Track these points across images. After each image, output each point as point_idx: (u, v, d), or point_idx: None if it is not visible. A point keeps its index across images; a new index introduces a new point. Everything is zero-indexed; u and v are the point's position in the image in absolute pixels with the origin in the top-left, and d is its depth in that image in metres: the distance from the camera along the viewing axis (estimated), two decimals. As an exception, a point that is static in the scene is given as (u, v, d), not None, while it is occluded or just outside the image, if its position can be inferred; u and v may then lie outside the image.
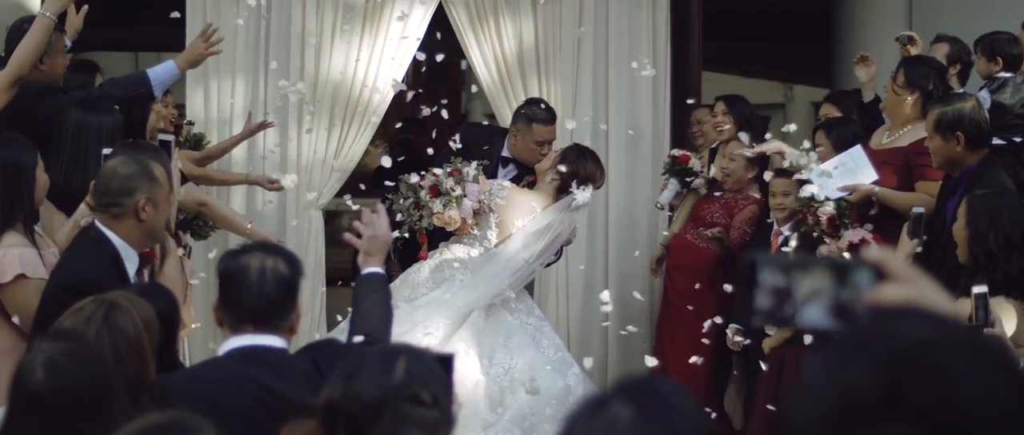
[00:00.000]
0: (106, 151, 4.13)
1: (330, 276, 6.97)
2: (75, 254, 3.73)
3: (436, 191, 5.48)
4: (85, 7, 5.41)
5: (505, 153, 6.02)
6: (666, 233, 6.68)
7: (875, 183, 5.17)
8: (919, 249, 4.44)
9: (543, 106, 6.04)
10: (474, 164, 5.59)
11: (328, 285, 6.88)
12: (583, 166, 5.60)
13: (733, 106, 6.49)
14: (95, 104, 4.65)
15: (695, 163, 6.41)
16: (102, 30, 8.40)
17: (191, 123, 6.68)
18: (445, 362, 2.25)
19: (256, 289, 2.81)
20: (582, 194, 5.55)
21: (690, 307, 6.15)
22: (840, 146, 5.40)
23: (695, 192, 6.42)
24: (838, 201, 5.13)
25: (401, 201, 5.53)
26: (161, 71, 4.87)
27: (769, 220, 5.86)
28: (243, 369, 2.81)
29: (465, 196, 5.47)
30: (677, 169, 6.42)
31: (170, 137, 5.18)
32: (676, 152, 6.51)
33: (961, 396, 1.12)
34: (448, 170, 5.52)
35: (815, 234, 5.16)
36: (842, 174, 5.18)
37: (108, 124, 4.52)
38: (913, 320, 1.21)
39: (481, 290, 5.42)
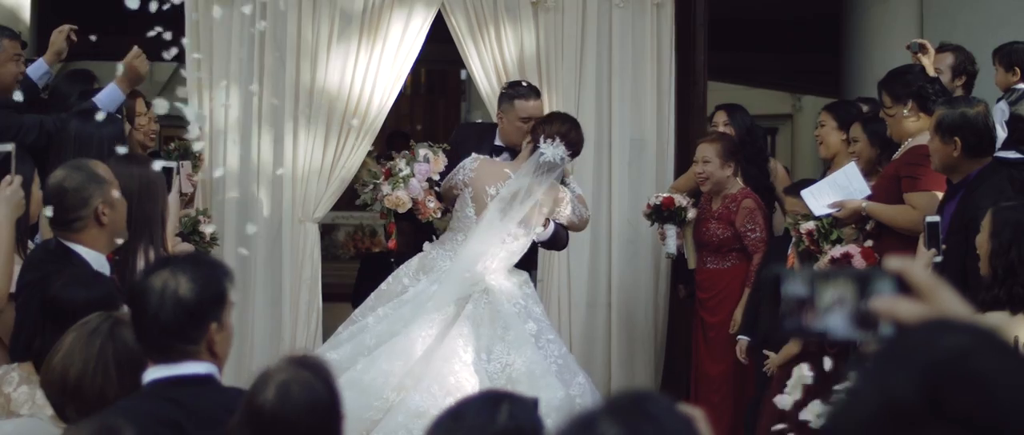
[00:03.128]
0: None
1: (326, 291, 6.83)
2: (52, 272, 3.57)
3: (388, 174, 5.50)
4: (67, 26, 5.29)
5: (498, 142, 5.94)
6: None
7: (868, 198, 5.12)
8: (938, 258, 4.31)
9: (524, 84, 5.98)
10: (428, 144, 5.59)
11: (325, 301, 6.73)
12: (550, 123, 5.51)
13: (733, 115, 6.43)
14: (94, 114, 4.57)
15: (679, 199, 6.22)
16: (96, 38, 8.31)
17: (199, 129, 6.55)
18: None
19: (151, 317, 2.62)
20: (550, 149, 5.40)
21: (725, 325, 6.04)
22: (875, 141, 5.34)
23: (689, 223, 6.25)
24: (824, 217, 5.10)
25: (362, 187, 5.64)
26: (105, 96, 4.85)
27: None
28: (153, 407, 2.61)
29: (413, 176, 5.46)
30: (666, 215, 6.22)
31: (172, 164, 5.08)
32: (657, 200, 6.26)
33: (999, 401, 1.20)
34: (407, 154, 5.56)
35: (800, 248, 5.18)
36: (835, 191, 5.15)
37: (109, 133, 4.50)
38: (952, 331, 1.28)
39: (464, 266, 5.28)
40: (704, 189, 6.06)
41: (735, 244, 5.99)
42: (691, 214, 6.21)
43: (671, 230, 6.22)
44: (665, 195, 6.29)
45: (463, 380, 5.02)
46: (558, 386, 5.11)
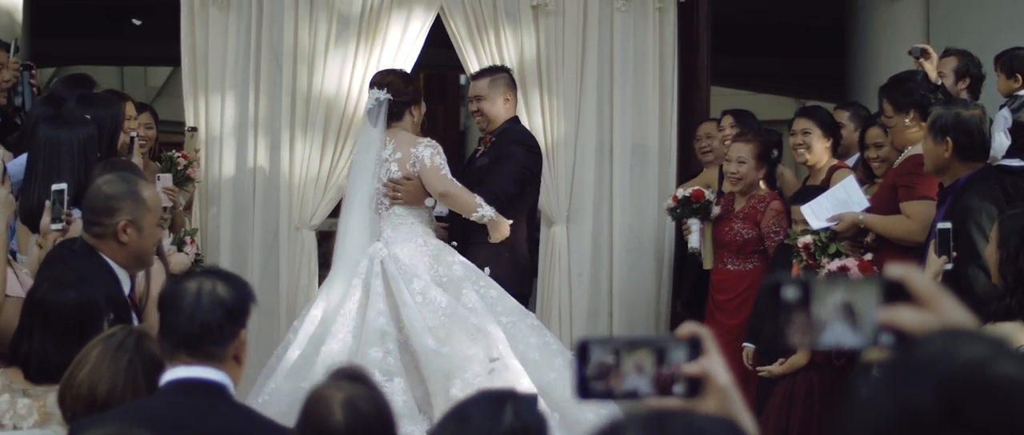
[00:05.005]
0: None
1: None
2: (82, 272, 3.56)
3: None
4: None
5: None
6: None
7: (867, 211, 5.07)
8: (948, 266, 4.24)
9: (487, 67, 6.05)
10: None
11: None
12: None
13: (741, 120, 6.38)
14: (64, 118, 4.52)
15: (708, 193, 6.14)
16: (89, 43, 8.29)
17: (194, 128, 6.51)
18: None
19: (189, 312, 2.64)
20: (369, 99, 5.42)
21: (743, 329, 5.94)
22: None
23: (710, 221, 6.16)
24: (823, 231, 5.07)
25: None
26: (19, 160, 4.64)
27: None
28: (171, 413, 2.59)
29: None
30: (695, 207, 6.12)
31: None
32: (686, 192, 6.17)
33: (1017, 410, 1.20)
34: None
35: (802, 264, 5.15)
36: (835, 205, 5.11)
37: (79, 137, 4.43)
38: (968, 341, 1.28)
39: (343, 242, 5.32)
40: (735, 189, 5.99)
41: (758, 246, 5.90)
42: (716, 210, 6.14)
43: (695, 224, 6.14)
44: (694, 188, 6.21)
45: (398, 359, 4.98)
46: (433, 347, 5.03)
